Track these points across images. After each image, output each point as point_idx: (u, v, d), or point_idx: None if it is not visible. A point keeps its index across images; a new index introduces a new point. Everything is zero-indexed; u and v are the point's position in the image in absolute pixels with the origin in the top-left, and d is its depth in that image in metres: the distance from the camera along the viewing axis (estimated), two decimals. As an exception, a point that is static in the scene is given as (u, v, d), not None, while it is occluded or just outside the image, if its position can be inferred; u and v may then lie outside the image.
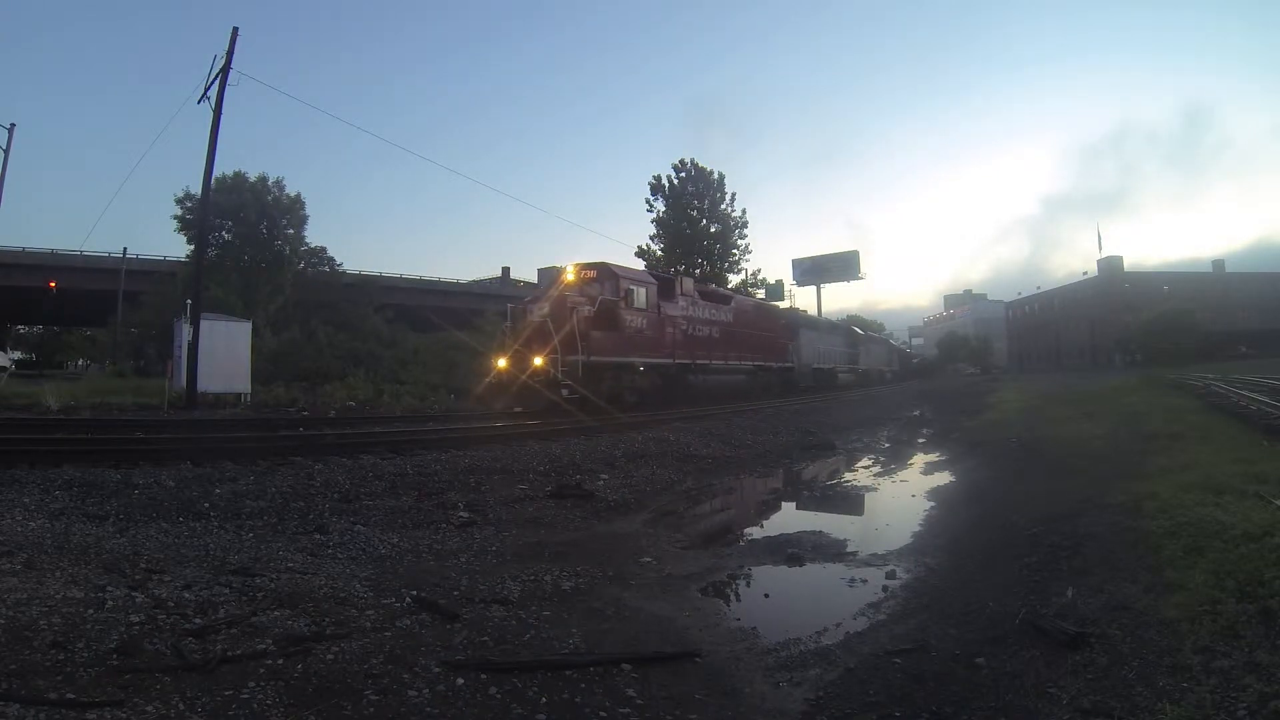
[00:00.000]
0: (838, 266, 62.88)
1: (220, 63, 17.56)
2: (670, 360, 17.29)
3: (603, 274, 15.87)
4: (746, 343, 21.93)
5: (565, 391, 13.50)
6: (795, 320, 30.47)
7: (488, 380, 15.01)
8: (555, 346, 13.51)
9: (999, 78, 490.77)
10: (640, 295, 16.27)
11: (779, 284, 53.75)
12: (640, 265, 34.80)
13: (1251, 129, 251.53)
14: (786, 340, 26.44)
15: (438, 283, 56.36)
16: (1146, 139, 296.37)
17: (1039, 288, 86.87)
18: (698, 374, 18.78)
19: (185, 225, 35.88)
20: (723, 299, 21.82)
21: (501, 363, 14.40)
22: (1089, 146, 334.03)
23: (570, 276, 15.89)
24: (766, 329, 24.30)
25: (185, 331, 17.24)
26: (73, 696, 2.36)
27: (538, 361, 13.68)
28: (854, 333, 42.35)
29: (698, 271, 38.38)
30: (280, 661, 2.80)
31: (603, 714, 2.60)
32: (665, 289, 17.89)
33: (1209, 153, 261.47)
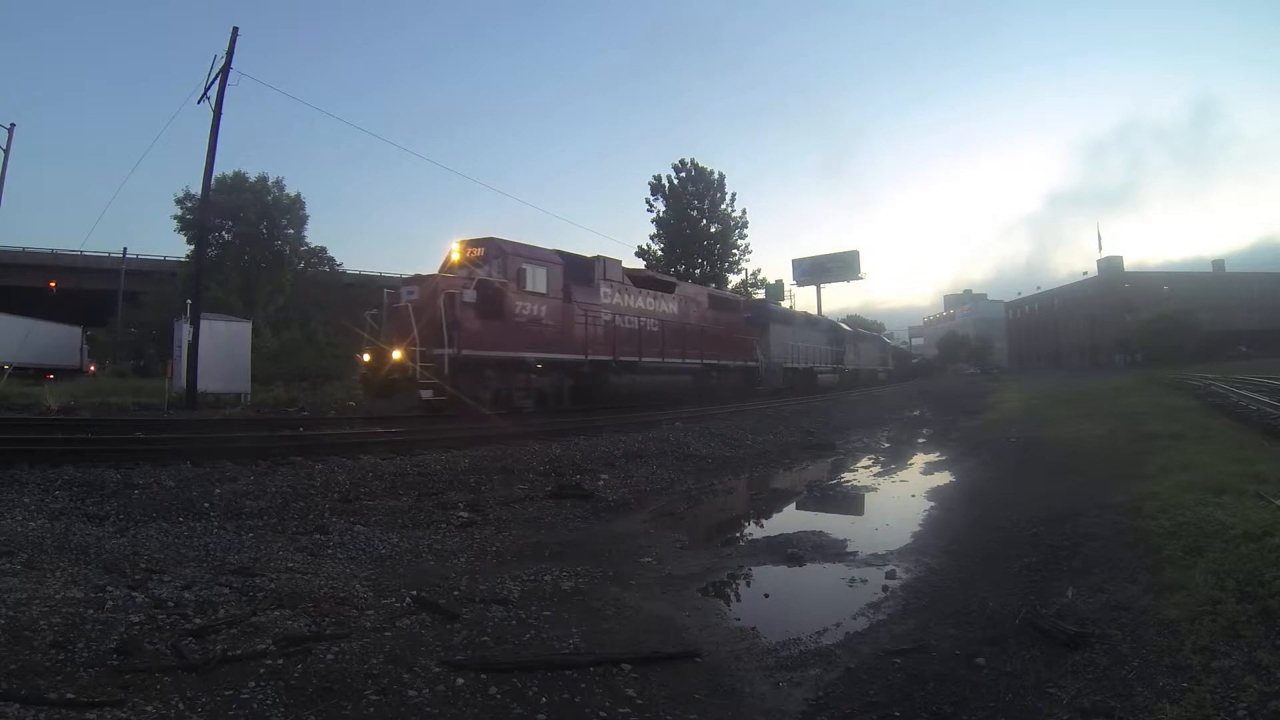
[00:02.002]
0: (838, 266, 62.86)
1: (220, 63, 17.60)
2: (582, 357, 14.78)
3: (491, 251, 13.35)
4: (695, 338, 19.28)
5: (429, 393, 11.50)
6: (763, 313, 27.47)
7: (361, 378, 13.07)
8: (414, 338, 11.49)
9: (1004, 74, 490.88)
10: (538, 277, 13.77)
11: (779, 284, 53.82)
12: (640, 265, 34.60)
13: (1261, 125, 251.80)
14: (750, 336, 23.75)
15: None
16: (1154, 133, 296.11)
17: (1039, 288, 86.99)
18: (623, 374, 16.21)
19: (185, 225, 35.94)
20: (663, 286, 19.16)
21: (366, 358, 12.47)
22: (1096, 141, 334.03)
23: (455, 256, 13.53)
24: (723, 322, 21.57)
25: (185, 331, 17.24)
26: (73, 696, 2.36)
27: (396, 356, 11.76)
28: (838, 328, 39.30)
29: (698, 271, 38.31)
30: (280, 661, 2.80)
31: (603, 714, 2.60)
32: (578, 272, 15.45)
33: (1216, 148, 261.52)
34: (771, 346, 25.92)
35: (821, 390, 30.17)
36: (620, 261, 17.04)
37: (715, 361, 20.39)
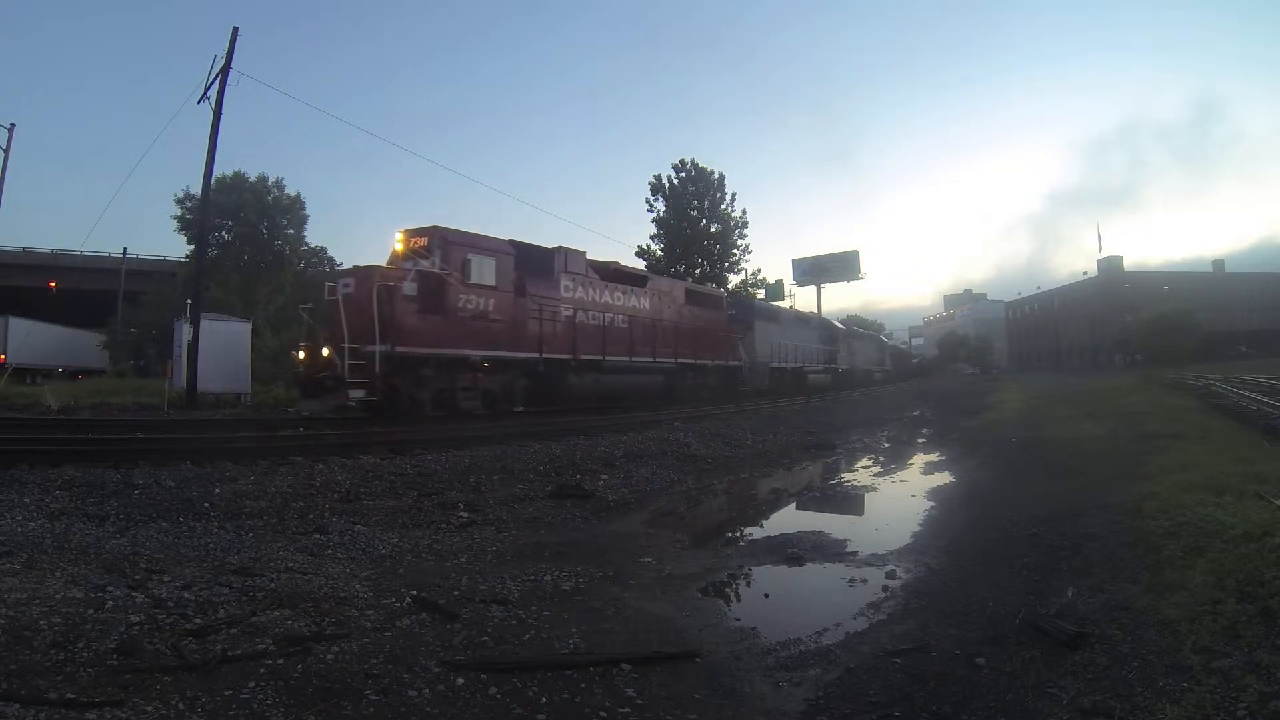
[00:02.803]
0: (838, 266, 62.77)
1: (220, 63, 17.58)
2: (535, 355, 13.73)
3: (434, 241, 12.26)
4: (668, 335, 18.06)
5: (361, 393, 10.68)
6: (748, 310, 26.01)
7: (294, 376, 12.30)
8: (344, 334, 10.70)
9: (1005, 74, 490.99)
10: (486, 269, 12.74)
11: (779, 284, 53.75)
12: (640, 265, 34.51)
13: (1263, 124, 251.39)
14: (734, 334, 22.52)
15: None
16: (1156, 132, 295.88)
17: (1039, 288, 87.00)
18: (584, 373, 15.10)
19: (185, 225, 35.92)
20: (634, 280, 17.88)
21: (301, 355, 11.75)
22: (1097, 140, 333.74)
23: (398, 246, 12.57)
24: (702, 319, 20.24)
25: (185, 331, 17.23)
26: (73, 696, 2.36)
27: (325, 353, 11.08)
28: (831, 327, 37.47)
29: (697, 271, 38.28)
30: (280, 661, 2.80)
31: (603, 714, 2.60)
32: (535, 264, 14.35)
33: (1218, 147, 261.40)
34: (757, 345, 24.62)
35: (811, 391, 28.50)
36: (584, 253, 15.97)
37: (691, 361, 19.17)
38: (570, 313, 14.91)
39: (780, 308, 33.84)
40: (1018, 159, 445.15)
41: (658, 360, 17.53)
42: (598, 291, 16.00)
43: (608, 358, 15.61)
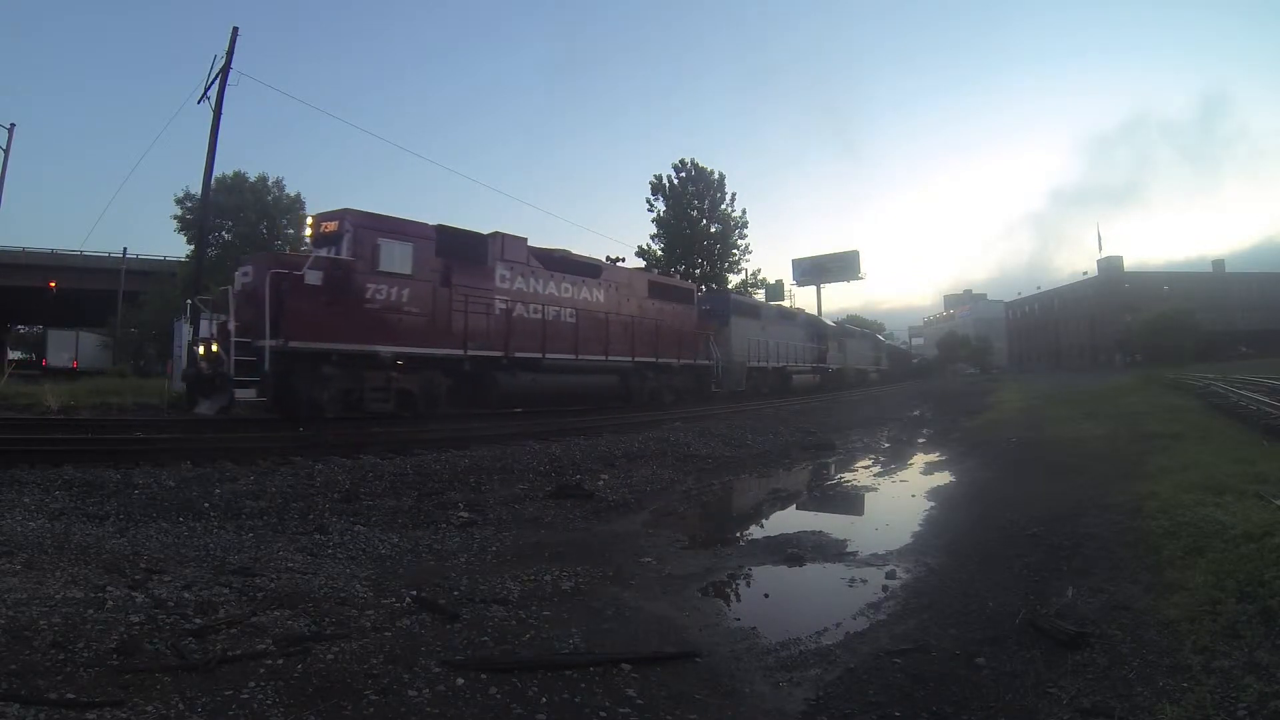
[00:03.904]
0: (838, 266, 62.74)
1: (220, 63, 17.59)
2: (460, 352, 12.40)
3: (345, 225, 11.26)
4: (624, 331, 16.56)
5: (249, 392, 9.82)
6: (723, 304, 24.18)
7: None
8: (230, 327, 9.90)
9: (1007, 73, 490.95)
10: (400, 256, 11.56)
11: (779, 284, 53.72)
12: (640, 265, 34.41)
13: (1267, 122, 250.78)
14: (705, 330, 20.88)
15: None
16: (1161, 129, 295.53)
17: (1039, 287, 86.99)
18: (519, 372, 13.67)
19: (185, 225, 35.91)
20: (586, 270, 16.28)
21: (200, 351, 10.90)
22: (1101, 137, 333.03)
23: (308, 232, 11.79)
24: (667, 314, 18.54)
25: (185, 331, 17.22)
26: (73, 696, 2.37)
27: (213, 348, 10.30)
28: (819, 324, 35.35)
29: (698, 271, 38.25)
30: (280, 661, 2.80)
31: (603, 714, 2.60)
32: (463, 250, 12.98)
33: (1223, 145, 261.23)
34: (733, 342, 22.82)
35: (797, 393, 26.61)
36: (525, 240, 14.50)
37: (652, 359, 17.54)
38: (505, 305, 13.50)
39: (762, 302, 31.20)
40: (1020, 157, 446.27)
41: (610, 359, 16.01)
42: (541, 282, 14.55)
43: (548, 355, 14.22)
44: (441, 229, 12.73)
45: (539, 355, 14.03)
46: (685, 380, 19.55)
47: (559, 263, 15.41)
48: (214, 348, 10.25)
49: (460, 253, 12.81)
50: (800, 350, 29.41)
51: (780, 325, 28.07)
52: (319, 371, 10.64)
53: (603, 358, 15.78)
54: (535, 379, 14.04)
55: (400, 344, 11.51)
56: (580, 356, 15.09)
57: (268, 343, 9.80)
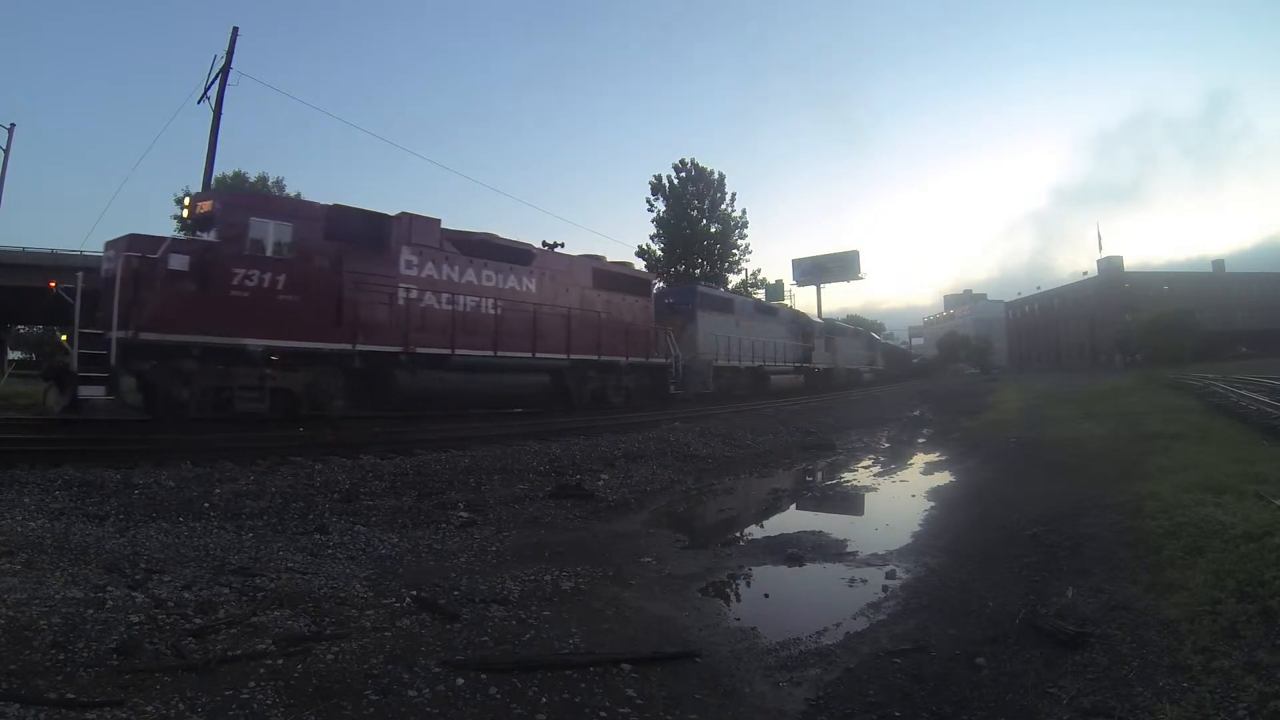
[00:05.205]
0: (838, 266, 62.78)
1: (220, 63, 17.61)
2: (348, 346, 10.90)
3: (218, 206, 10.22)
4: (558, 325, 14.71)
5: (98, 389, 8.84)
6: (688, 297, 22.09)
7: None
8: (75, 316, 8.94)
9: (1009, 71, 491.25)
10: (277, 238, 10.21)
11: (779, 284, 53.75)
12: (640, 265, 34.27)
13: (1272, 121, 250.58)
14: (669, 325, 19.12)
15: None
16: (1165, 126, 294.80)
17: (1039, 287, 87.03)
18: (422, 370, 12.00)
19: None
20: (514, 256, 14.27)
21: (63, 339, 9.90)
22: (1104, 135, 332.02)
23: (185, 213, 10.55)
24: (616, 306, 16.66)
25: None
26: (73, 696, 2.37)
27: (62, 339, 9.46)
28: (805, 320, 32.89)
29: (697, 271, 38.21)
30: (280, 661, 2.81)
31: (603, 714, 2.60)
32: (359, 233, 11.43)
33: (1227, 141, 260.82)
34: (700, 339, 20.85)
35: (775, 395, 24.45)
36: (439, 221, 12.89)
37: (594, 357, 15.68)
38: (411, 294, 11.95)
39: (736, 296, 28.41)
40: (1022, 156, 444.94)
41: (539, 356, 14.13)
42: (456, 269, 12.84)
43: (458, 351, 12.46)
44: (335, 208, 11.51)
45: (447, 351, 12.35)
46: (637, 380, 17.59)
47: (480, 247, 13.54)
48: (63, 338, 9.25)
49: (354, 235, 11.34)
50: (781, 349, 27.44)
51: (757, 321, 25.96)
52: (179, 367, 9.46)
53: (530, 354, 13.95)
54: (442, 378, 12.35)
55: (274, 337, 10.11)
56: (500, 353, 13.30)
57: (114, 334, 8.70)
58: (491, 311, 13.31)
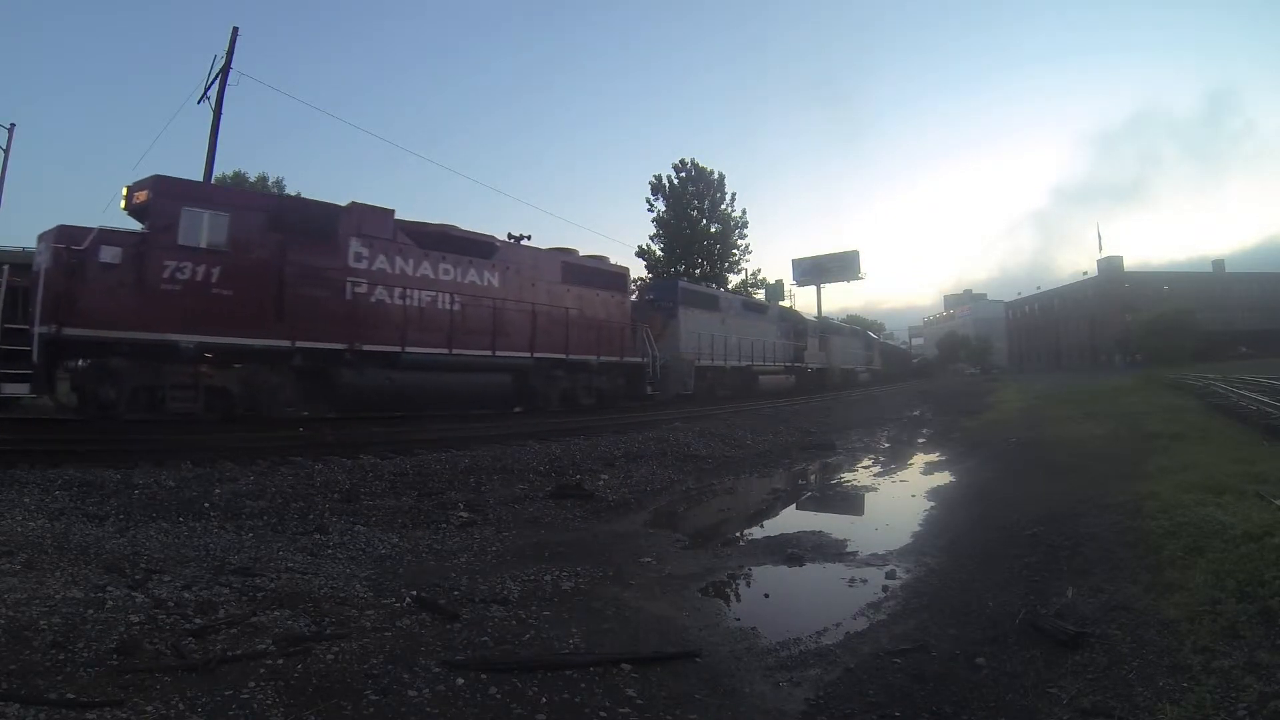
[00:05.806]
0: (838, 266, 62.75)
1: (220, 63, 17.57)
2: (287, 342, 10.29)
3: (153, 194, 9.56)
4: (521, 322, 13.89)
5: (24, 387, 8.47)
6: (669, 293, 21.27)
7: None
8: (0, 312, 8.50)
9: (1010, 70, 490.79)
10: (211, 228, 9.69)
11: (779, 284, 53.74)
12: (640, 265, 34.16)
13: (1275, 121, 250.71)
14: (642, 323, 18.21)
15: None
16: (1166, 125, 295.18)
17: (1039, 287, 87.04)
18: (369, 369, 11.33)
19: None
20: (475, 249, 13.47)
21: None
22: (1106, 134, 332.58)
23: (121, 204, 10.06)
24: (589, 303, 15.89)
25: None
26: (73, 696, 2.36)
27: None
28: (797, 318, 31.98)
29: (697, 271, 38.21)
30: (280, 661, 2.80)
31: (603, 714, 2.60)
32: (304, 224, 10.88)
33: (1229, 140, 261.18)
34: (682, 337, 20.05)
35: (763, 396, 23.69)
36: (392, 212, 12.19)
37: (561, 355, 14.86)
38: (360, 288, 11.32)
39: (722, 293, 27.14)
40: (1023, 156, 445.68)
41: (500, 354, 13.33)
42: (410, 262, 12.16)
43: (410, 349, 11.74)
44: (278, 198, 11.09)
45: (396, 349, 11.63)
46: (610, 381, 16.75)
47: (437, 240, 12.84)
48: None
49: (299, 226, 10.79)
50: (770, 348, 26.50)
51: (745, 319, 25.01)
52: (107, 365, 9.12)
53: (490, 353, 13.17)
54: (391, 378, 11.66)
55: (207, 333, 9.59)
56: (456, 351, 12.51)
57: (37, 329, 8.36)
58: (448, 307, 12.58)
